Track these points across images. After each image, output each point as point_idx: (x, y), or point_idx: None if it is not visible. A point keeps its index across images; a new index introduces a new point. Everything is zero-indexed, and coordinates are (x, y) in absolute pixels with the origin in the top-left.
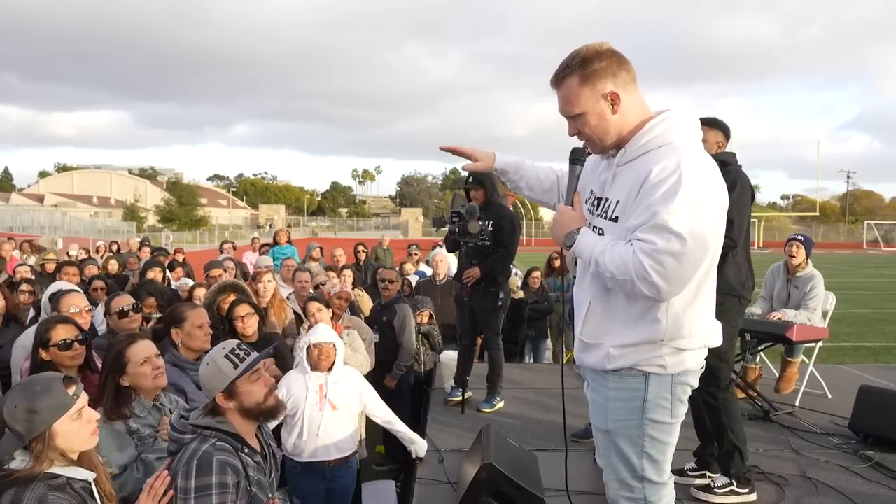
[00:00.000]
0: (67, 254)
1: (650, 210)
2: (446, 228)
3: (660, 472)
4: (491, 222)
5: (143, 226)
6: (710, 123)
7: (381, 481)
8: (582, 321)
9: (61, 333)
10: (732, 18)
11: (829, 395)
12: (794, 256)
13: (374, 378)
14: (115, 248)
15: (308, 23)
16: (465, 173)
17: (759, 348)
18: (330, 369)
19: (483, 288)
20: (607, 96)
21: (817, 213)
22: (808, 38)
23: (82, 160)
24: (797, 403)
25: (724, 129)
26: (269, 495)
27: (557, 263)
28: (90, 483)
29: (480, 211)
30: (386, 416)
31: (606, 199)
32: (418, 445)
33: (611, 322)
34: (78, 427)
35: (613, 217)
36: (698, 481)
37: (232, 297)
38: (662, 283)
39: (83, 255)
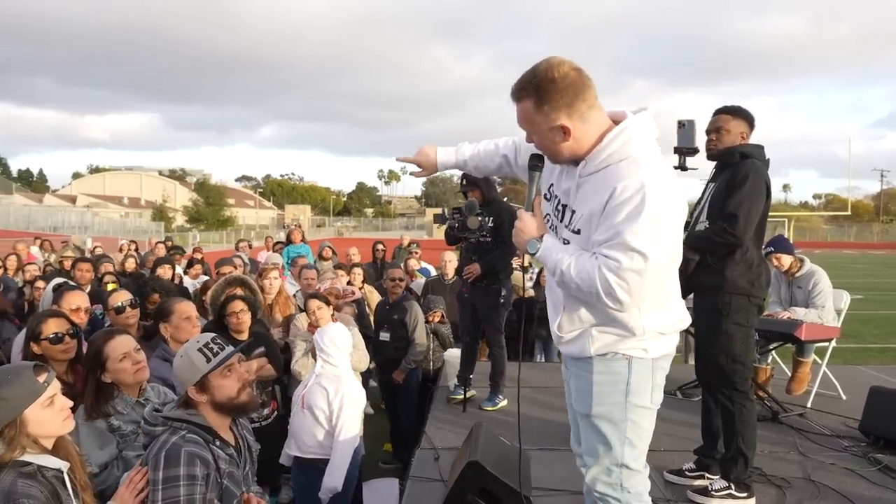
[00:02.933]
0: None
1: (614, 229)
2: (447, 224)
3: (637, 460)
4: (491, 218)
5: (171, 226)
6: (733, 113)
7: (383, 479)
8: (558, 318)
9: (52, 327)
10: (759, 16)
11: (844, 397)
12: (781, 266)
13: (384, 375)
14: (133, 246)
15: (334, 25)
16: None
17: (769, 348)
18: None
19: (484, 285)
20: (558, 128)
21: (849, 213)
22: (837, 35)
23: (114, 162)
24: (809, 405)
25: (748, 119)
26: (243, 489)
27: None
28: (62, 472)
29: (481, 208)
30: (335, 441)
31: (573, 211)
32: (328, 480)
33: (589, 312)
34: (50, 414)
35: (576, 230)
36: (696, 483)
37: (236, 291)
38: (626, 297)
39: (99, 252)
